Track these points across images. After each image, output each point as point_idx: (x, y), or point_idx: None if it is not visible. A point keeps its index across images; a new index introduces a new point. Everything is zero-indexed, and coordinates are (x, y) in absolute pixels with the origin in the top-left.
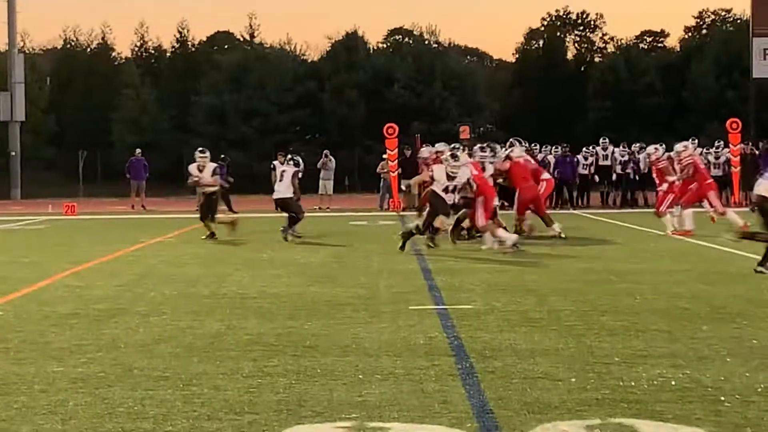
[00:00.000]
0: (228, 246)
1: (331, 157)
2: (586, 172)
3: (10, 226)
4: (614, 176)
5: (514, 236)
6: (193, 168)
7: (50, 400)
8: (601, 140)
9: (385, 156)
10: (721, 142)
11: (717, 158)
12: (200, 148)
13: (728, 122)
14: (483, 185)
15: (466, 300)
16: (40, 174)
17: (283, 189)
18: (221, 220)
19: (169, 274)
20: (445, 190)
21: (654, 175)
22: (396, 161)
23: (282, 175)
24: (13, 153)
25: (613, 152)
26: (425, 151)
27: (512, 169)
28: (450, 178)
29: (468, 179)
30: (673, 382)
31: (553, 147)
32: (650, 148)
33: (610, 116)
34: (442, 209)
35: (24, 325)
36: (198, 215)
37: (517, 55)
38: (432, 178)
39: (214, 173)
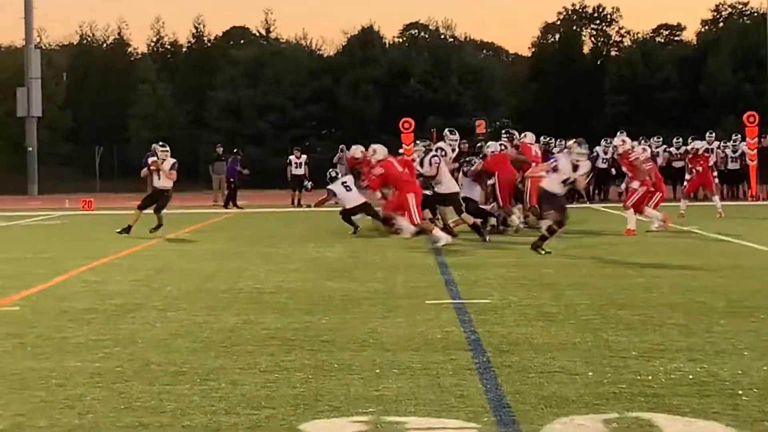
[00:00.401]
0: (244, 241)
1: (347, 151)
2: (605, 166)
3: (27, 221)
4: None
5: (447, 236)
6: (151, 161)
7: (68, 395)
8: (618, 134)
9: (401, 150)
10: (738, 136)
11: (734, 152)
12: (161, 142)
13: (745, 116)
14: (407, 184)
15: (483, 294)
16: (57, 169)
17: (354, 197)
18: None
19: (186, 269)
20: (564, 182)
21: (624, 169)
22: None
23: (349, 187)
24: (30, 148)
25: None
26: (357, 150)
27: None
28: (574, 169)
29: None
30: (690, 376)
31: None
32: (617, 140)
33: (627, 110)
34: (561, 204)
35: (41, 320)
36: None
37: (533, 50)
38: (555, 169)
39: (172, 168)
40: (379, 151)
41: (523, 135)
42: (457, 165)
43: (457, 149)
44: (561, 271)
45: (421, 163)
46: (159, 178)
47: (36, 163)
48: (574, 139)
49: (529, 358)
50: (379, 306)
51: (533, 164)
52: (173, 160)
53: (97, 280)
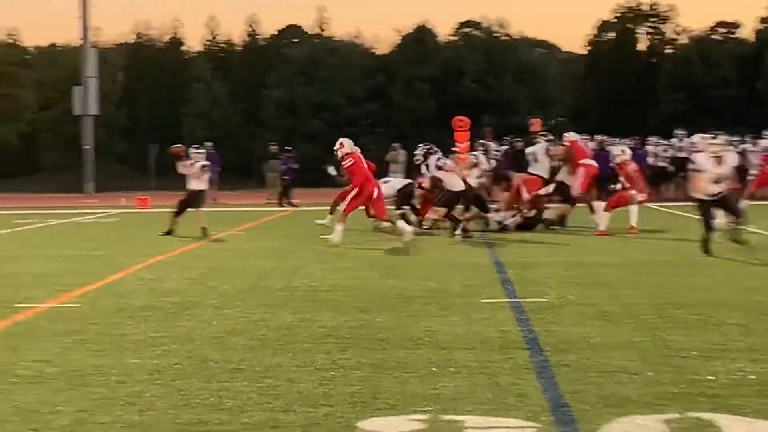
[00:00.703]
0: (299, 239)
1: (401, 150)
2: (664, 164)
3: (83, 219)
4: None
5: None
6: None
7: (128, 392)
8: (677, 132)
9: (455, 149)
10: None
11: None
12: (195, 145)
13: None
14: (367, 181)
15: (540, 293)
16: (112, 167)
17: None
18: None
19: (241, 267)
20: (716, 181)
21: (622, 178)
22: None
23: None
24: (87, 147)
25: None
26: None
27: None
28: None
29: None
30: (752, 377)
31: (627, 140)
32: (616, 150)
33: (683, 108)
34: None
35: (100, 317)
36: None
37: (588, 47)
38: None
39: (202, 169)
40: (346, 144)
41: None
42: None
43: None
44: (617, 270)
45: (426, 167)
46: (195, 180)
47: (92, 162)
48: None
49: (587, 358)
50: (434, 304)
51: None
52: (204, 162)
53: (153, 277)
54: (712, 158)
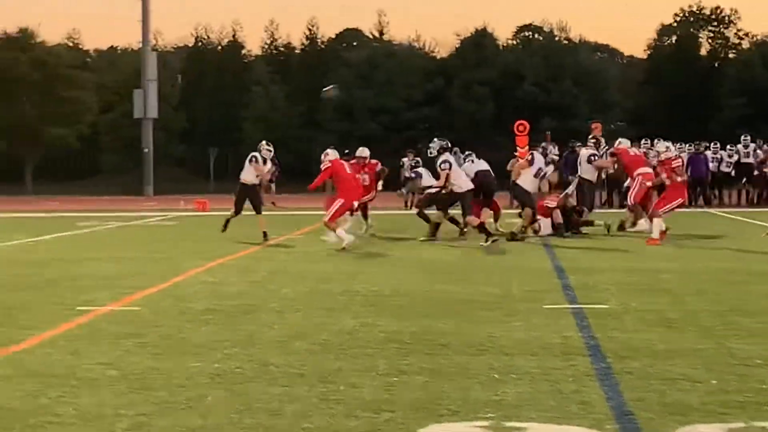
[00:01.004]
0: (358, 243)
1: (460, 154)
2: (729, 170)
3: (143, 222)
4: (754, 174)
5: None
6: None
7: (189, 395)
8: (742, 138)
9: (516, 153)
10: None
11: None
12: (266, 141)
13: None
14: (348, 189)
15: (601, 299)
16: (171, 170)
17: None
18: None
19: (301, 271)
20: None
21: (665, 176)
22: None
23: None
24: (146, 150)
25: (755, 150)
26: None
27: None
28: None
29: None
30: None
31: (687, 145)
32: (660, 146)
33: (746, 113)
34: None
35: (161, 320)
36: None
37: (648, 52)
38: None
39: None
40: (330, 153)
41: (617, 142)
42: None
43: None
44: (679, 277)
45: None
46: (255, 174)
47: (152, 164)
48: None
49: (650, 365)
50: (496, 310)
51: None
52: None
53: (214, 280)
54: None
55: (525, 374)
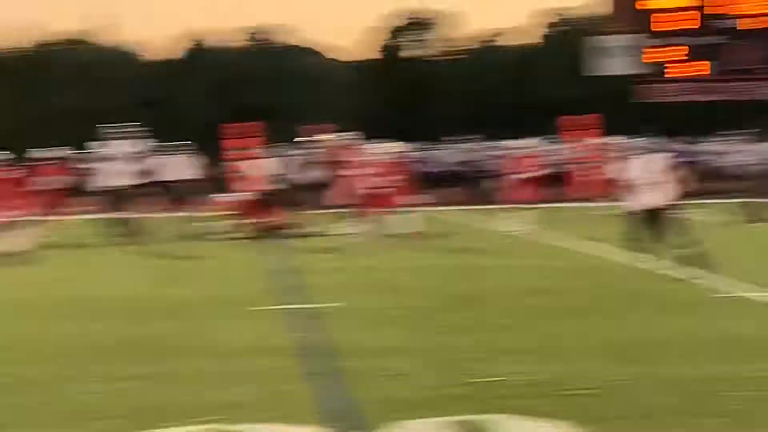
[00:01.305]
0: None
1: None
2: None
3: None
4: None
5: None
6: None
7: None
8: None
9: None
10: None
11: None
12: None
13: None
14: None
15: (327, 299)
16: None
17: None
18: None
19: None
20: None
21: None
22: None
23: None
24: None
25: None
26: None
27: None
28: None
29: None
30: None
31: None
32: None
33: (457, 114)
34: None
35: None
36: None
37: (361, 56)
38: None
39: None
40: None
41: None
42: None
43: None
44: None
45: None
46: None
47: None
48: None
49: (371, 362)
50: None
51: None
52: None
53: None
54: None
55: (251, 375)
